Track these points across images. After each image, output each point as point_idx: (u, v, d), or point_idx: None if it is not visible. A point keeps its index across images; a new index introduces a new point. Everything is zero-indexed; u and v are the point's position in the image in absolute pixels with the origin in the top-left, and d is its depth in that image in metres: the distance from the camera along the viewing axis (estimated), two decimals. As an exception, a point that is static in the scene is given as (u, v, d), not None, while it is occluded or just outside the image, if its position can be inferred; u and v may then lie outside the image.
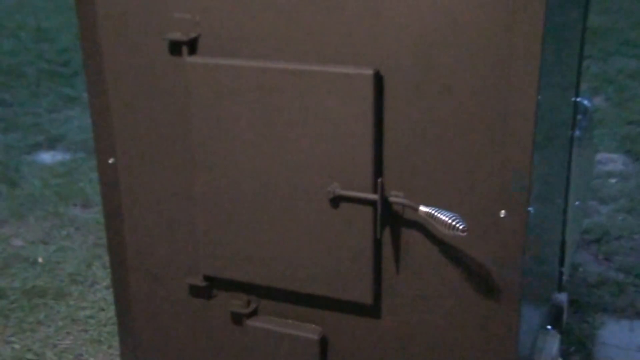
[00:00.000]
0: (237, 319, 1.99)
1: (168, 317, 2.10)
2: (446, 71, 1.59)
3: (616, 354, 2.98)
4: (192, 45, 1.80)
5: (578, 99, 2.55)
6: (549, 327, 2.44)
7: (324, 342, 1.90)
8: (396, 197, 1.70)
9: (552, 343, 2.32)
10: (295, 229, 1.80)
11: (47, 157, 5.18)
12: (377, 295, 1.81)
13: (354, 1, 1.63)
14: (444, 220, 1.57)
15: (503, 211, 1.63)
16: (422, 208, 1.63)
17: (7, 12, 9.20)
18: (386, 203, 1.70)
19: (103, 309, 3.36)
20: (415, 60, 1.61)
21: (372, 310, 1.83)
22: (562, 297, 2.64)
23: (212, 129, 1.80)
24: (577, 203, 2.64)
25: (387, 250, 1.77)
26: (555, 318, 2.56)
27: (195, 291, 2.02)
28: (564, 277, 2.69)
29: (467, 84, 1.59)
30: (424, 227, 1.71)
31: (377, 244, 1.75)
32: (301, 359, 1.91)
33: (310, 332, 1.89)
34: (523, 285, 1.69)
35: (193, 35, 1.79)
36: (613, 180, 4.48)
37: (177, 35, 1.80)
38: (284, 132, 1.73)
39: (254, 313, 1.96)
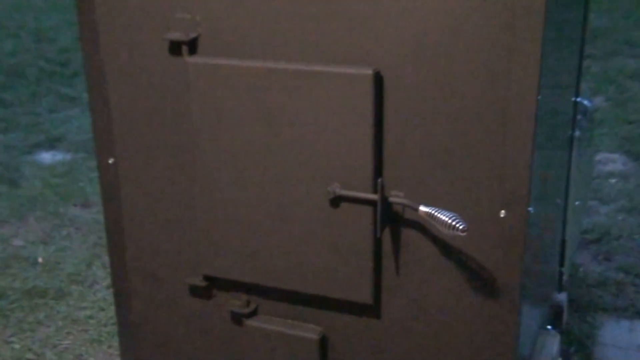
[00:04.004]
0: (237, 319, 1.99)
1: (168, 317, 2.10)
2: (446, 71, 1.59)
3: (616, 354, 2.98)
4: (192, 45, 1.80)
5: (578, 99, 2.55)
6: (549, 327, 2.44)
7: (324, 342, 1.90)
8: (396, 197, 1.70)
9: (552, 343, 2.31)
10: (295, 229, 1.80)
11: (47, 157, 5.18)
12: (377, 295, 1.81)
13: (354, 1, 1.63)
14: (444, 220, 1.57)
15: (503, 211, 1.63)
16: (422, 208, 1.63)
17: (7, 12, 9.20)
18: (386, 203, 1.70)
19: (103, 309, 3.36)
20: (415, 60, 1.61)
21: (372, 310, 1.83)
22: (562, 297, 2.64)
23: (212, 129, 1.80)
24: (577, 203, 2.63)
25: (387, 250, 1.77)
26: (555, 318, 2.57)
27: (195, 291, 2.02)
28: (564, 277, 2.69)
29: (467, 84, 1.59)
30: (424, 227, 1.71)
31: (377, 244, 1.75)
32: (301, 359, 1.91)
33: (310, 332, 1.89)
34: (523, 285, 1.69)
35: (193, 35, 1.79)
36: (613, 180, 4.48)
37: (177, 35, 1.80)
38: (284, 132, 1.73)
39: (254, 313, 1.96)
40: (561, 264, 2.64)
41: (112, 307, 2.80)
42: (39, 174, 4.82)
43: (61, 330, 3.23)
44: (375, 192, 1.69)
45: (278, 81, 1.70)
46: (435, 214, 1.59)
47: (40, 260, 3.79)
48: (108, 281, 3.43)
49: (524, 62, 1.52)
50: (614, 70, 6.42)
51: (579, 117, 2.55)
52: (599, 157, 4.74)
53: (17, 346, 3.13)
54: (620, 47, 7.07)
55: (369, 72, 1.62)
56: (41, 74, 6.94)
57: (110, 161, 2.00)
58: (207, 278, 1.98)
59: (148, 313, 2.12)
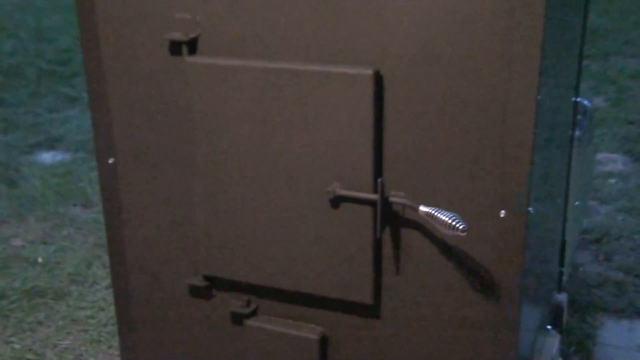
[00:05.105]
0: (237, 319, 1.99)
1: (168, 317, 2.10)
2: (446, 71, 1.59)
3: (616, 354, 2.98)
4: (192, 45, 1.80)
5: (578, 99, 2.55)
6: (549, 327, 2.44)
7: (324, 342, 1.90)
8: (396, 197, 1.70)
9: (552, 343, 2.31)
10: (295, 229, 1.80)
11: (47, 157, 5.18)
12: (377, 295, 1.81)
13: (354, 1, 1.63)
14: (444, 220, 1.57)
15: (503, 211, 1.63)
16: (422, 208, 1.63)
17: (7, 12, 9.20)
18: (386, 203, 1.70)
19: (103, 309, 3.36)
20: (415, 60, 1.61)
21: (372, 310, 1.83)
22: (562, 297, 2.64)
23: (211, 128, 1.80)
24: (577, 203, 2.63)
25: (387, 250, 1.77)
26: (555, 318, 2.56)
27: (195, 291, 2.02)
28: (564, 277, 2.69)
29: (466, 84, 1.59)
30: (424, 227, 1.71)
31: (377, 244, 1.75)
32: (301, 359, 1.91)
33: (310, 332, 1.89)
34: (523, 285, 1.69)
35: (193, 35, 1.79)
36: (613, 180, 4.48)
37: (177, 35, 1.80)
38: (284, 132, 1.73)
39: (254, 313, 1.96)
40: (561, 264, 2.64)
41: (112, 307, 2.80)
42: (39, 174, 4.82)
43: (61, 330, 3.23)
44: (375, 192, 1.69)
45: (278, 81, 1.70)
46: (435, 214, 1.59)
47: (40, 260, 3.79)
48: (108, 281, 3.43)
49: (524, 62, 1.52)
50: (614, 70, 6.42)
51: (579, 117, 2.55)
52: (599, 157, 4.74)
53: (17, 346, 3.13)
54: (620, 47, 7.07)
55: (369, 72, 1.62)
56: (41, 74, 6.95)
57: (110, 161, 2.00)
58: (207, 278, 1.98)
59: (148, 313, 2.12)
